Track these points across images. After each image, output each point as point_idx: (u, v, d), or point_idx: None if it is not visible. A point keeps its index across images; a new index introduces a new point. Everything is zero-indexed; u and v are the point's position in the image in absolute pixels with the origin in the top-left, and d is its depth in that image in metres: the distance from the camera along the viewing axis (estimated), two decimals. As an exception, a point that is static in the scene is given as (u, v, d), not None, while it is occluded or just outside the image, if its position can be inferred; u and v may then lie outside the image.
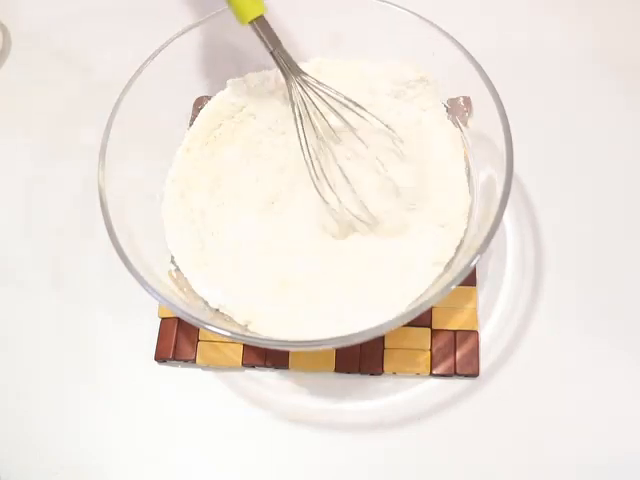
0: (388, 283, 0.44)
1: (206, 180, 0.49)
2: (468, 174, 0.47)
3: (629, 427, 0.45)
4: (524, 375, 0.46)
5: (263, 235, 0.47)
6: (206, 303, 0.44)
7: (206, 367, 0.48)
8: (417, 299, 0.42)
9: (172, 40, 0.47)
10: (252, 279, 0.45)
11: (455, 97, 0.48)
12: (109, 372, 0.49)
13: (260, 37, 0.44)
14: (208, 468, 0.46)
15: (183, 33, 0.48)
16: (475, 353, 0.46)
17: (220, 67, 0.52)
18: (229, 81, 0.51)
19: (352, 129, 0.46)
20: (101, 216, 0.41)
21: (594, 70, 0.58)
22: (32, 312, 0.51)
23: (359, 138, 0.45)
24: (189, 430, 0.47)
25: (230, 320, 0.43)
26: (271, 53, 0.45)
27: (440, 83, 0.48)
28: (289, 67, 0.45)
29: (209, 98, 0.51)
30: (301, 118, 0.45)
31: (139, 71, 0.46)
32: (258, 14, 0.43)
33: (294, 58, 0.45)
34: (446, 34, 0.45)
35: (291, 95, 0.46)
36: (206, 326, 0.38)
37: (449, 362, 0.46)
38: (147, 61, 0.46)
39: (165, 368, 0.49)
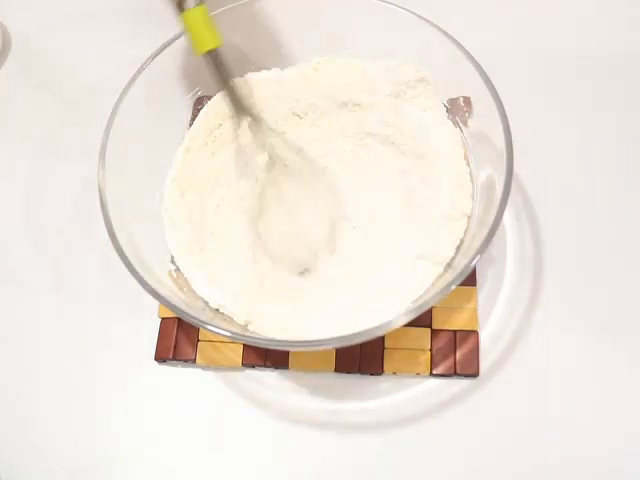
0: (388, 283, 0.44)
1: (206, 180, 0.49)
2: (468, 174, 0.47)
3: (629, 427, 0.45)
4: (524, 375, 0.46)
5: (263, 235, 0.47)
6: (206, 303, 0.44)
7: (206, 367, 0.48)
8: (417, 299, 0.42)
9: (172, 40, 0.47)
10: (252, 279, 0.45)
11: (455, 97, 0.48)
12: (109, 372, 0.49)
13: (211, 70, 0.44)
14: (208, 468, 0.46)
15: (183, 33, 0.48)
16: (475, 353, 0.46)
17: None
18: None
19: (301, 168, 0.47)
20: (101, 216, 0.41)
21: (594, 70, 0.58)
22: (32, 312, 0.51)
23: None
24: (189, 430, 0.47)
25: (230, 320, 0.43)
26: (221, 88, 0.45)
27: (440, 83, 0.48)
28: (235, 105, 0.46)
29: (209, 98, 0.51)
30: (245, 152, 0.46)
31: (139, 71, 0.46)
32: (213, 46, 0.43)
33: (294, 58, 0.45)
34: (446, 34, 0.44)
35: (236, 132, 0.46)
36: (206, 326, 0.38)
37: (449, 362, 0.46)
38: (147, 61, 0.46)
39: (165, 368, 0.49)
